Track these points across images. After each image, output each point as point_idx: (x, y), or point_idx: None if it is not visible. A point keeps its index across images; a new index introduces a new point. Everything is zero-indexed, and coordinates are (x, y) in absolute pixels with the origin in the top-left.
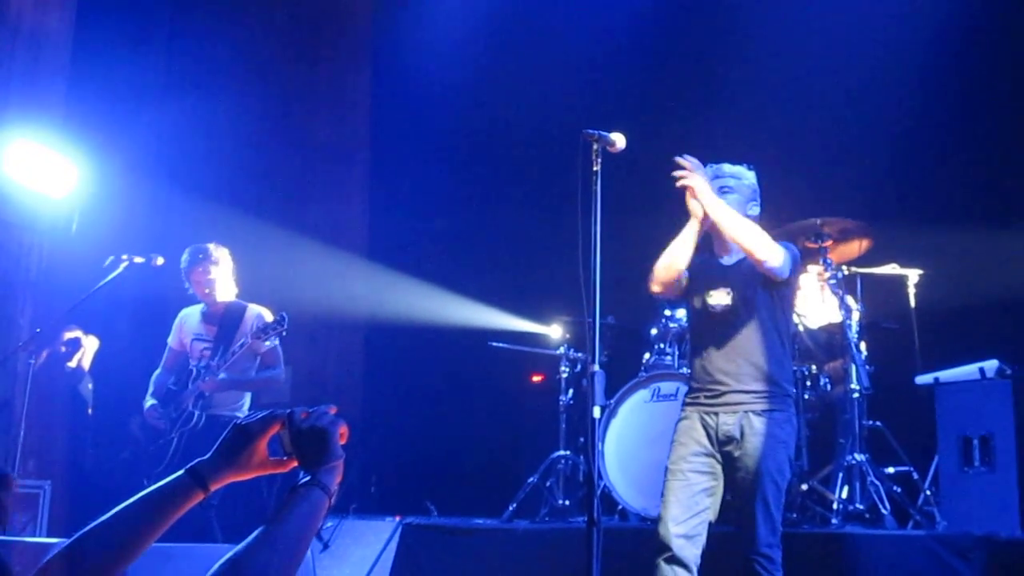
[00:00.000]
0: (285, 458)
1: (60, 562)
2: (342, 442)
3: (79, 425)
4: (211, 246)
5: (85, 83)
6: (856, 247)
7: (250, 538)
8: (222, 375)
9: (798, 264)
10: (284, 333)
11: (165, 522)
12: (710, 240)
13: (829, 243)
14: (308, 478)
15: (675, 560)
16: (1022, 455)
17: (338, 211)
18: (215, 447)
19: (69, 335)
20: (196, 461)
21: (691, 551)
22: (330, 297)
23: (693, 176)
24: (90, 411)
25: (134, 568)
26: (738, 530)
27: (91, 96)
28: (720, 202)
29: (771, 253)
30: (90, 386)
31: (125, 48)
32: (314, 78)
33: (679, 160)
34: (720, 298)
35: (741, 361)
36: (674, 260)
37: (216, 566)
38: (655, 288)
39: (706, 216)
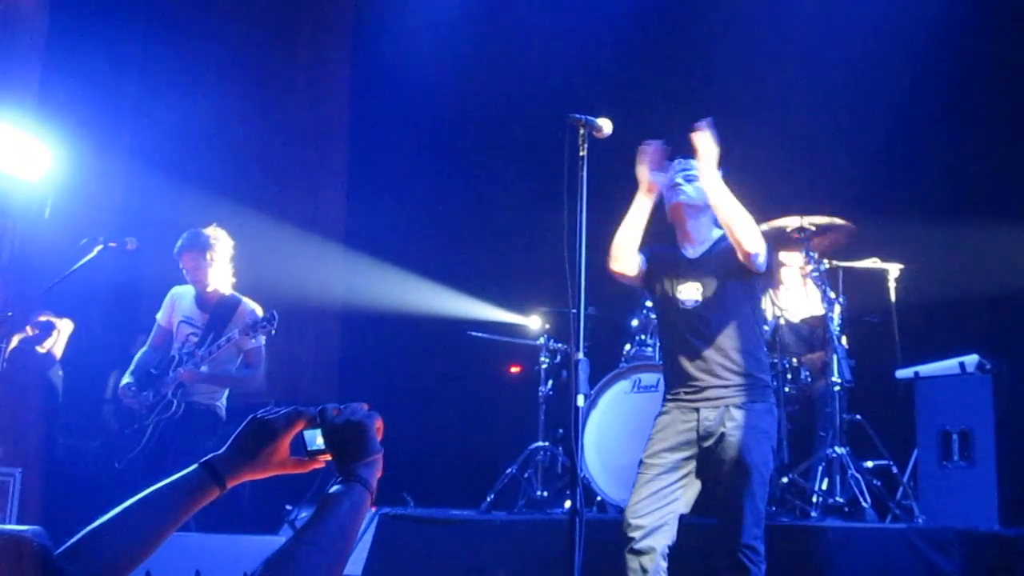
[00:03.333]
0: (307, 458)
1: (67, 557)
2: (378, 437)
3: (50, 412)
4: (211, 233)
5: (60, 65)
6: (839, 241)
7: (293, 537)
8: (204, 368)
9: (770, 252)
10: (273, 332)
11: (178, 519)
12: (672, 231)
13: (812, 236)
14: (347, 474)
15: (639, 551)
16: (1001, 450)
17: (316, 198)
18: (231, 441)
19: (40, 319)
20: (211, 455)
21: (656, 541)
22: (307, 284)
23: (709, 139)
24: (60, 399)
25: None
26: (720, 521)
27: (66, 79)
28: (720, 181)
29: (758, 244)
30: (60, 373)
31: (101, 31)
32: (293, 63)
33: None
34: (690, 293)
35: (716, 356)
36: (628, 234)
37: (260, 566)
38: (614, 266)
39: (651, 188)
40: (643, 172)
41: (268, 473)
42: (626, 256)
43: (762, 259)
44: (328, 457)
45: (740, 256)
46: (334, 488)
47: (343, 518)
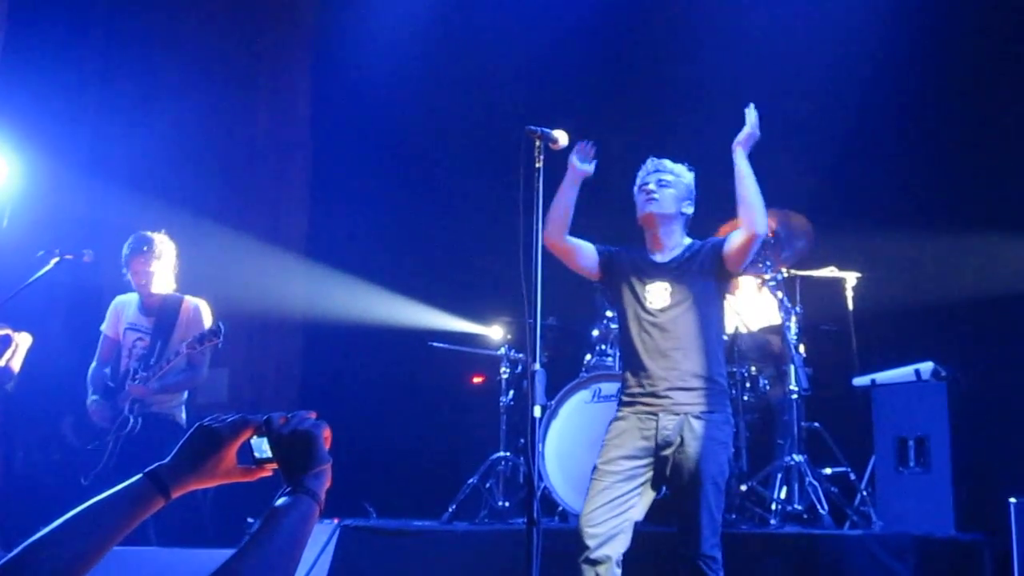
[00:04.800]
0: (254, 467)
1: (8, 571)
2: (327, 446)
3: (8, 426)
4: (156, 237)
5: (18, 76)
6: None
7: (239, 551)
8: (153, 384)
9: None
10: (219, 344)
11: (122, 530)
12: (642, 235)
13: (770, 244)
14: (294, 485)
15: (594, 560)
16: (956, 456)
17: (276, 208)
18: (176, 450)
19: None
20: (156, 465)
21: (612, 549)
22: (268, 296)
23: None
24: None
25: None
26: (680, 531)
27: (24, 89)
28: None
29: (764, 228)
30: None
31: (60, 41)
32: (254, 73)
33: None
34: (658, 296)
35: (679, 361)
36: (554, 206)
37: None
38: (544, 236)
39: (575, 171)
40: (573, 160)
41: (215, 482)
42: (554, 227)
43: (757, 243)
44: (275, 465)
45: (744, 236)
46: (281, 500)
47: (290, 531)
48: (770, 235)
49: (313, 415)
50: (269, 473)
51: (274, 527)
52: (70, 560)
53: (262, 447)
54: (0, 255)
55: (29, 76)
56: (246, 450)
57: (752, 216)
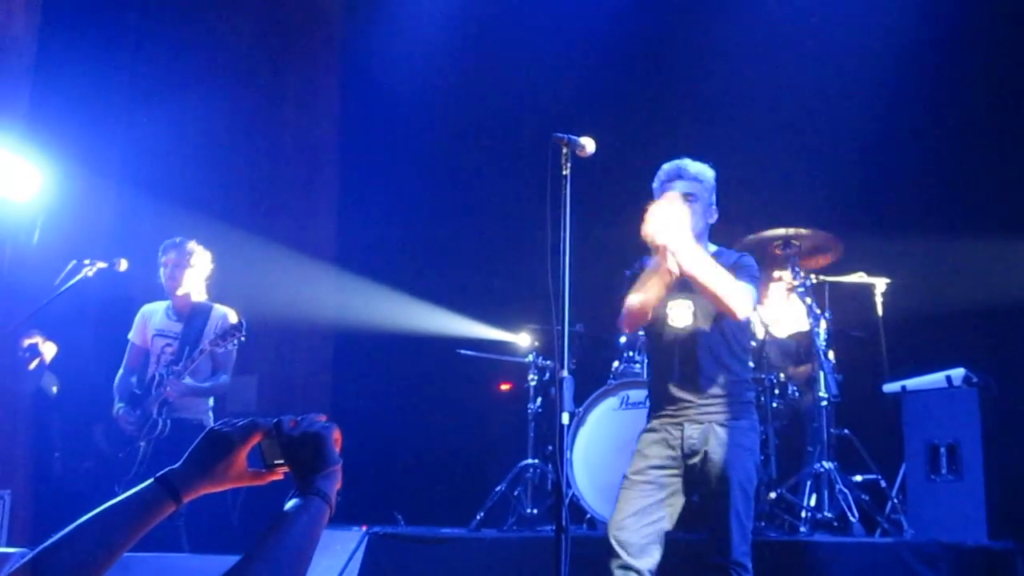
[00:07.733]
0: (265, 470)
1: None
2: (336, 448)
3: (43, 433)
4: (192, 243)
5: (50, 86)
6: (825, 258)
7: (249, 552)
8: (187, 380)
9: (758, 290)
10: (243, 338)
11: (134, 535)
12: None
13: (797, 251)
14: (305, 487)
15: (627, 566)
16: (988, 463)
17: (306, 217)
18: (187, 455)
19: (28, 341)
20: (167, 470)
21: (646, 562)
22: (298, 304)
23: (667, 232)
24: (54, 389)
25: None
26: (709, 538)
27: (56, 100)
28: (696, 254)
29: (740, 304)
30: (55, 388)
31: (91, 52)
32: (283, 83)
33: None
34: (682, 314)
35: (702, 376)
36: (647, 304)
37: None
38: (627, 330)
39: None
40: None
41: (226, 485)
42: (643, 322)
43: (745, 311)
44: (286, 468)
45: (727, 315)
46: (291, 502)
47: (300, 533)
48: (796, 244)
49: (323, 417)
50: (280, 476)
51: (285, 530)
52: (83, 564)
53: (273, 450)
54: (32, 266)
55: (60, 88)
56: (256, 453)
57: (727, 308)
